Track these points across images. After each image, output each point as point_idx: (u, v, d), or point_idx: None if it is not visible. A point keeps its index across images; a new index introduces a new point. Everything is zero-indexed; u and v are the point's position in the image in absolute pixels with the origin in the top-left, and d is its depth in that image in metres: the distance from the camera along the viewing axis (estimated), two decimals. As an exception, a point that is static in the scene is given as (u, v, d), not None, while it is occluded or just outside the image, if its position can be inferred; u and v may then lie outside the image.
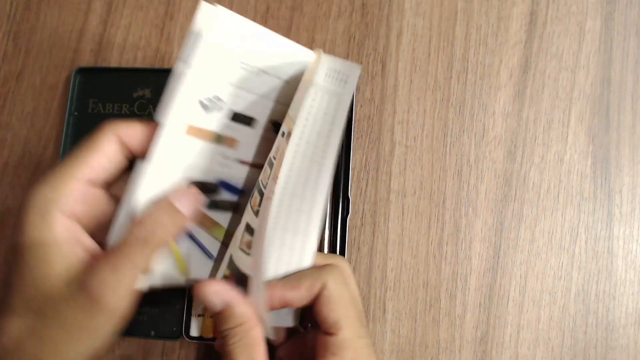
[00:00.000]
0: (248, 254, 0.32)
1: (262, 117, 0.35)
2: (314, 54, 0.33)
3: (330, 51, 0.45)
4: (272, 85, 0.34)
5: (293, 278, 0.31)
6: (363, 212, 0.43)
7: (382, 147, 0.43)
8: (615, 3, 0.45)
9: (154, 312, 0.40)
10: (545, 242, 0.42)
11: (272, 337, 0.33)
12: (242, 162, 0.35)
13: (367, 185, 0.43)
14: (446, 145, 0.43)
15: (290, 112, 0.32)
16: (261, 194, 0.32)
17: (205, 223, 0.35)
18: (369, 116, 0.44)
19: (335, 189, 0.41)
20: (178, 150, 0.33)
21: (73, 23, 0.45)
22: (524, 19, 0.45)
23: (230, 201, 0.35)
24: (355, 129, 0.43)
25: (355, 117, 0.43)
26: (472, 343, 0.41)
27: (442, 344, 0.41)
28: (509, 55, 0.44)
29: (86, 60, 0.45)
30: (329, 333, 0.31)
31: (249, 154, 0.35)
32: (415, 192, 0.43)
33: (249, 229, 0.32)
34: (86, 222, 0.31)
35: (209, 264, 0.35)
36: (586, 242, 0.43)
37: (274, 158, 0.32)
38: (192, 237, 0.34)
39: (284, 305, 0.31)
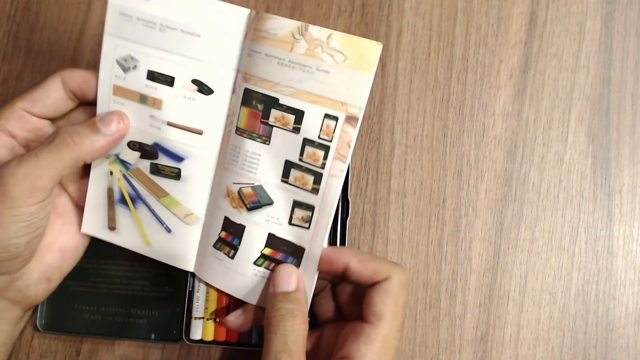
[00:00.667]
0: (307, 228, 0.34)
1: (181, 76, 0.34)
2: (376, 45, 0.31)
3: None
4: (186, 42, 0.34)
5: (365, 255, 0.34)
6: (363, 212, 0.43)
7: (382, 147, 0.43)
8: (615, 3, 0.45)
9: (154, 314, 0.40)
10: (545, 242, 0.42)
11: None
12: (170, 124, 0.35)
13: (367, 185, 0.43)
14: (446, 145, 0.43)
15: (345, 98, 0.32)
16: (313, 174, 0.33)
17: (153, 188, 0.36)
18: (369, 116, 0.44)
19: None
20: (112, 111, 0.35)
21: (73, 23, 0.45)
22: (524, 19, 0.45)
23: (173, 167, 0.36)
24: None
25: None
26: (472, 343, 0.41)
27: (442, 344, 0.41)
28: (509, 55, 0.44)
29: (86, 60, 0.45)
30: (368, 321, 0.32)
31: (175, 115, 0.35)
32: (415, 192, 0.43)
33: (301, 205, 0.34)
34: (21, 140, 0.35)
35: (168, 237, 0.37)
36: (586, 242, 0.43)
37: (322, 138, 0.33)
38: (144, 202, 0.37)
39: (343, 271, 0.33)
